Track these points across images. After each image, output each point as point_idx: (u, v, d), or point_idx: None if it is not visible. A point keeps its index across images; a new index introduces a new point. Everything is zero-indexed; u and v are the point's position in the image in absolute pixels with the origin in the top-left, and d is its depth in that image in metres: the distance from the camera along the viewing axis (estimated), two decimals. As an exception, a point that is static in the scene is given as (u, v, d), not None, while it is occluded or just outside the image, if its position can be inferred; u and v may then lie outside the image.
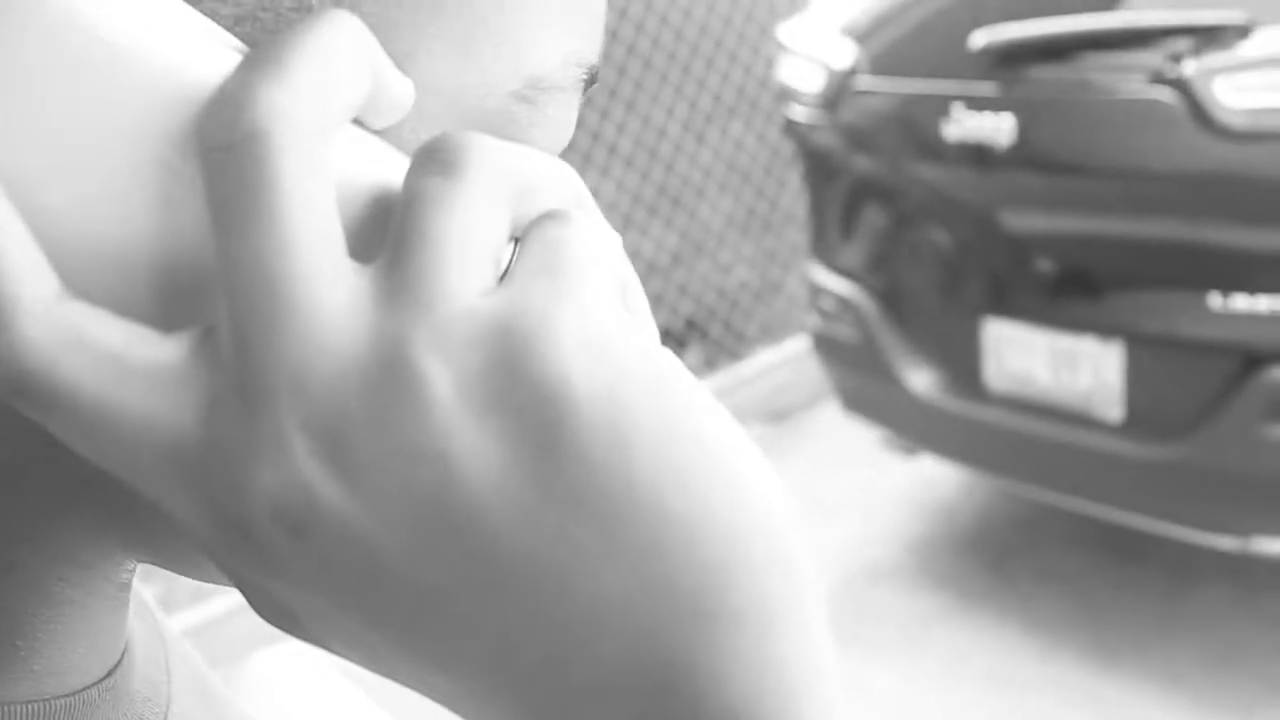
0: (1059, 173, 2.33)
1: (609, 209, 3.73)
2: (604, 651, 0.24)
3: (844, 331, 2.82)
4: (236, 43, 0.25)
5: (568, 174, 0.27)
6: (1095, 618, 2.67)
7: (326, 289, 0.23)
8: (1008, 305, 2.46)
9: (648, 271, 3.85)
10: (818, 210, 2.89)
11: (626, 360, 0.24)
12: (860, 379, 2.84)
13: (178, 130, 0.24)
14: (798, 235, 4.07)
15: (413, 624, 0.24)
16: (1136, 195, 2.21)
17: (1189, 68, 2.09)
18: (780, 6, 3.94)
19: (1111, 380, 2.33)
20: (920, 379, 2.66)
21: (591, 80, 0.32)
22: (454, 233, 0.24)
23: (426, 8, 0.27)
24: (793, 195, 4.04)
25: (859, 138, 2.70)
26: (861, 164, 2.71)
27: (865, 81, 2.63)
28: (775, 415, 3.85)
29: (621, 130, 3.72)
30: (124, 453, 0.24)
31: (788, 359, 3.97)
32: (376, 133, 0.27)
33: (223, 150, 0.23)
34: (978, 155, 2.40)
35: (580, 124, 3.64)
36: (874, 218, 2.72)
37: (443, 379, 0.23)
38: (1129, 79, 2.17)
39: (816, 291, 2.92)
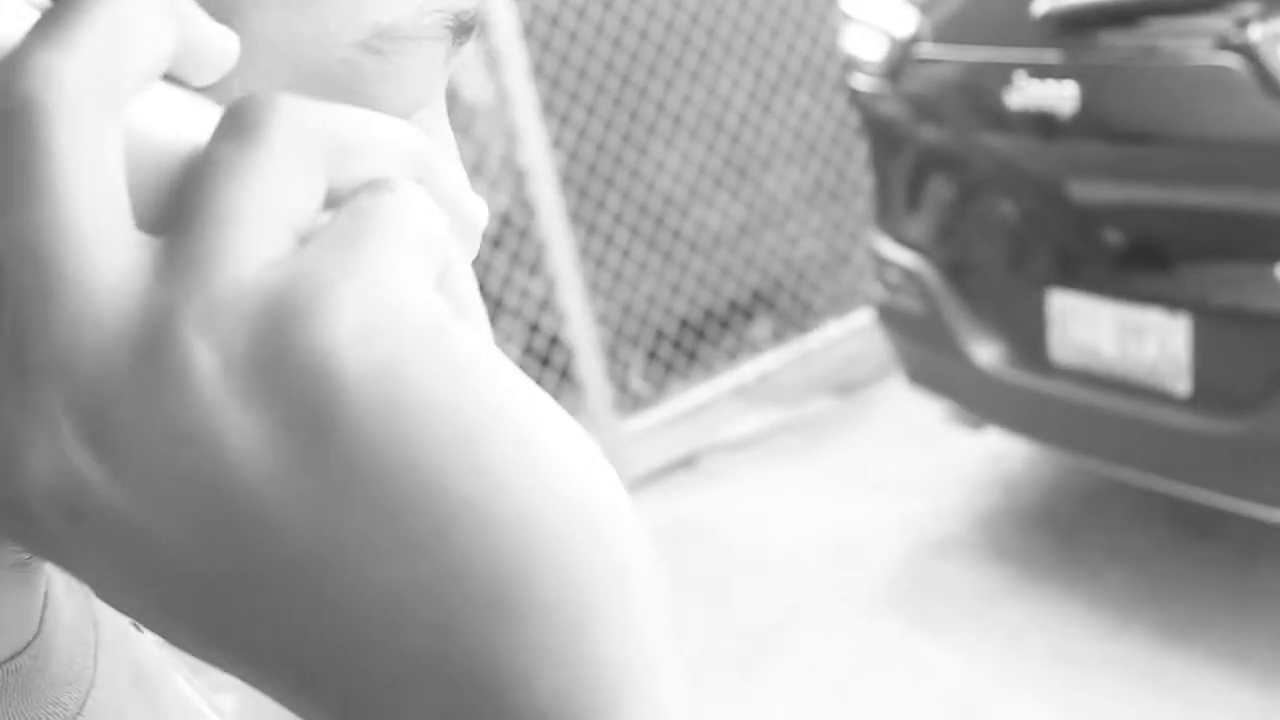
0: (1123, 141, 2.28)
1: (674, 180, 3.72)
2: (399, 645, 0.22)
3: (909, 304, 2.79)
4: (44, 1, 0.24)
5: (406, 137, 0.25)
6: (1162, 595, 2.62)
7: (101, 262, 0.22)
8: (1073, 277, 2.41)
9: (714, 244, 3.83)
10: (882, 181, 2.86)
11: (411, 334, 0.22)
12: (925, 351, 2.81)
13: None
14: (866, 206, 4.03)
15: (198, 614, 0.23)
16: (1202, 164, 2.16)
17: (1256, 33, 2.03)
18: (849, -26, 3.89)
19: (1178, 353, 2.28)
20: (985, 351, 2.62)
21: (463, 29, 0.29)
22: (243, 202, 0.23)
23: None
24: (860, 166, 3.99)
25: (923, 107, 2.66)
26: (926, 134, 2.67)
27: (928, 50, 2.59)
28: (843, 388, 3.82)
29: (687, 101, 3.70)
30: None
31: (856, 331, 3.94)
32: (205, 90, 0.25)
33: None
34: (1041, 124, 2.35)
35: (645, 95, 3.63)
36: (939, 188, 2.68)
37: (207, 356, 0.22)
38: (1194, 45, 2.11)
39: (881, 263, 2.89)
